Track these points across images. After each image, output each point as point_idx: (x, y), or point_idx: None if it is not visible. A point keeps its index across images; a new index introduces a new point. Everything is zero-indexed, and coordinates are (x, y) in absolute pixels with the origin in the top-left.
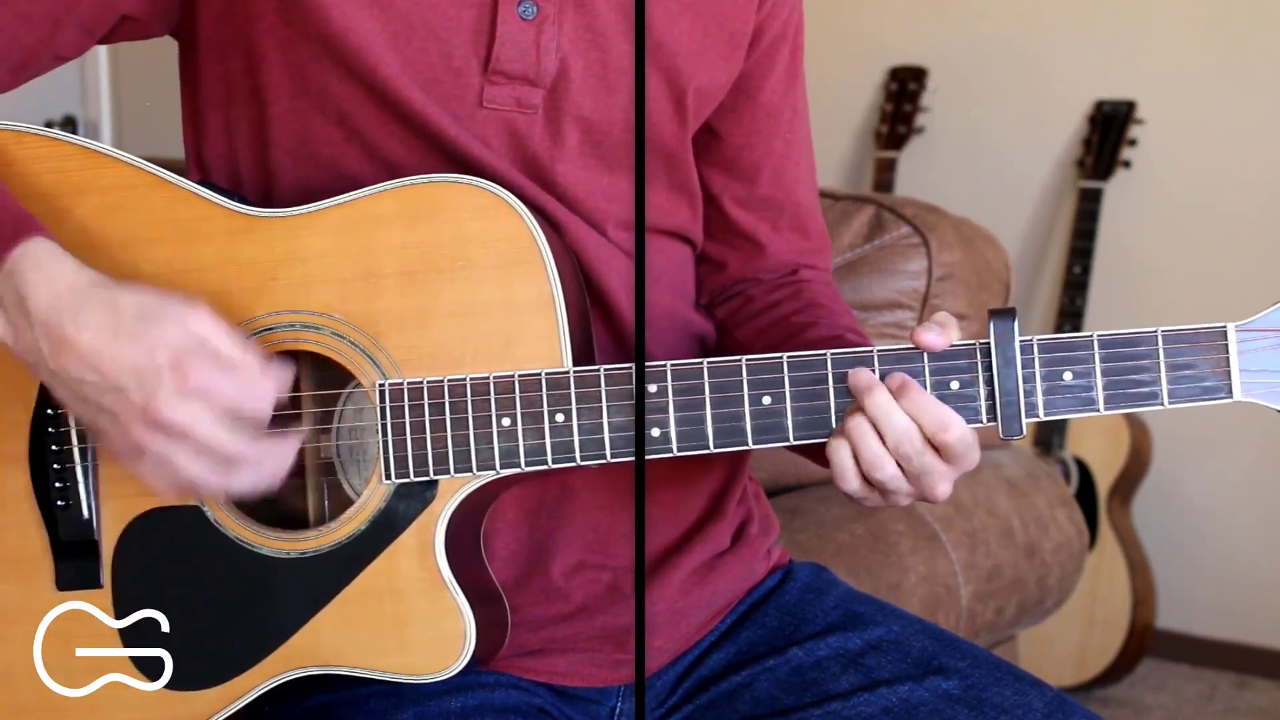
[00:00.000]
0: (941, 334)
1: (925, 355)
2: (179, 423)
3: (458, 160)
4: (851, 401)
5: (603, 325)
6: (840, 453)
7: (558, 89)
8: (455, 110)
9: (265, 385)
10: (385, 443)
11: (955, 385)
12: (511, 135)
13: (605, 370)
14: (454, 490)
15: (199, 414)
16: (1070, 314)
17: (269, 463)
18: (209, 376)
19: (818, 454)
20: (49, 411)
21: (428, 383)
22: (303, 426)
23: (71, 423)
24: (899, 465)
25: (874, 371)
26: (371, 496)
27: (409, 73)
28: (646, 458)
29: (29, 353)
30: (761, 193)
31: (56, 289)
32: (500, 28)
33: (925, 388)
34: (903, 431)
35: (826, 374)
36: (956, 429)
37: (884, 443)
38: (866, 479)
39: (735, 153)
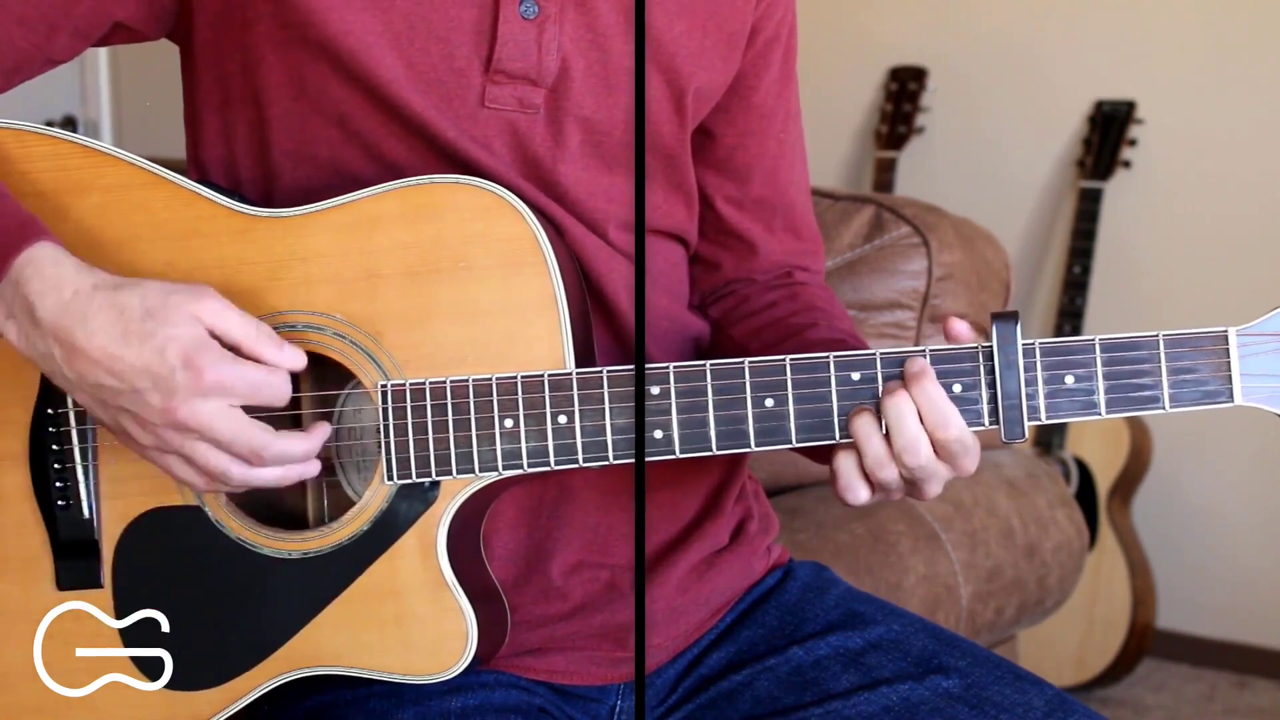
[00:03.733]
0: (969, 329)
1: (928, 357)
2: (199, 421)
3: (458, 163)
4: (855, 405)
5: (604, 327)
6: (845, 463)
7: (559, 89)
8: (457, 110)
9: (280, 371)
10: (387, 443)
11: (958, 388)
12: (513, 136)
13: (608, 372)
14: (456, 491)
15: (218, 410)
16: (1070, 314)
17: (292, 457)
18: (223, 370)
19: (818, 454)
20: (49, 411)
21: (430, 383)
22: (329, 424)
23: (72, 422)
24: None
25: (875, 375)
26: (373, 497)
27: (411, 74)
28: (648, 459)
29: (44, 360)
30: (755, 193)
31: (62, 296)
32: (502, 27)
33: None
34: (910, 439)
35: (829, 376)
36: (954, 429)
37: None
38: (870, 480)
39: (728, 153)
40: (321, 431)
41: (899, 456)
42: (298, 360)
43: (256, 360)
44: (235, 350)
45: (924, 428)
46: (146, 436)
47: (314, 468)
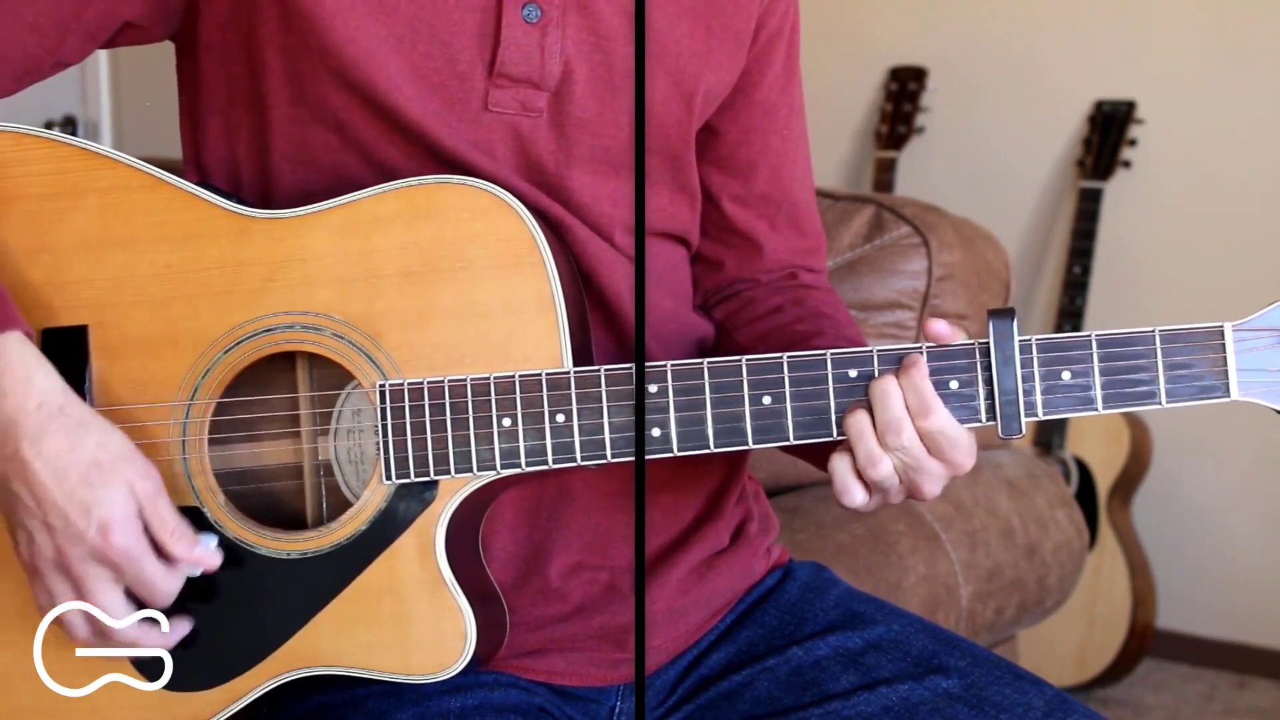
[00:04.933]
0: (951, 329)
1: (925, 355)
2: (82, 580)
3: (457, 169)
4: (851, 402)
5: (605, 330)
6: (840, 464)
7: (562, 92)
8: (460, 114)
9: (174, 580)
10: (385, 443)
11: (955, 385)
12: (516, 139)
13: (605, 370)
14: (454, 491)
15: (102, 580)
16: (1070, 314)
17: (140, 646)
18: (128, 552)
19: (815, 456)
20: None
21: (428, 383)
22: (185, 624)
23: None
24: (892, 451)
25: (874, 371)
26: (372, 497)
27: (414, 79)
28: (647, 458)
29: None
30: (759, 190)
31: (25, 404)
32: (505, 31)
33: None
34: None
35: (826, 374)
36: (937, 418)
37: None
38: (864, 480)
39: (731, 149)
40: (179, 631)
41: (882, 436)
42: (211, 562)
43: (168, 555)
44: (152, 539)
45: (909, 414)
46: (31, 559)
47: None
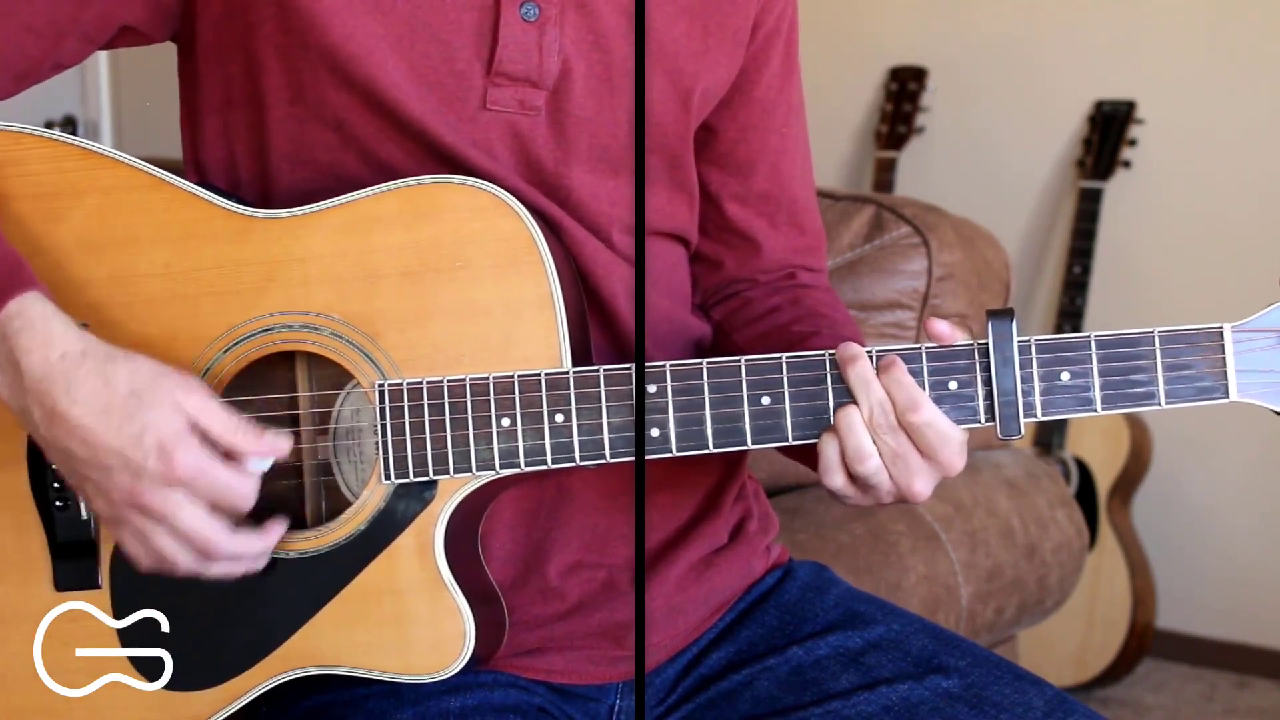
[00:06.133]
0: (952, 329)
1: (924, 355)
2: (161, 510)
3: (456, 167)
4: (848, 400)
5: (603, 331)
6: (829, 447)
7: (560, 91)
8: (458, 113)
9: (249, 480)
10: (384, 443)
11: (953, 385)
12: (515, 138)
13: (604, 370)
14: (453, 490)
15: (181, 503)
16: (1070, 314)
17: (245, 556)
18: (194, 468)
19: (812, 457)
20: None
21: (427, 383)
22: (282, 523)
23: None
24: (878, 450)
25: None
26: (371, 497)
27: (411, 77)
28: (646, 458)
29: (23, 415)
30: (758, 188)
31: (49, 356)
32: (503, 29)
33: (924, 387)
34: (877, 403)
35: (825, 374)
36: (925, 412)
37: (862, 418)
38: (850, 474)
39: (730, 147)
40: (277, 530)
41: (870, 423)
42: (281, 446)
43: (236, 454)
44: (215, 446)
45: (895, 411)
46: (106, 508)
47: (264, 562)
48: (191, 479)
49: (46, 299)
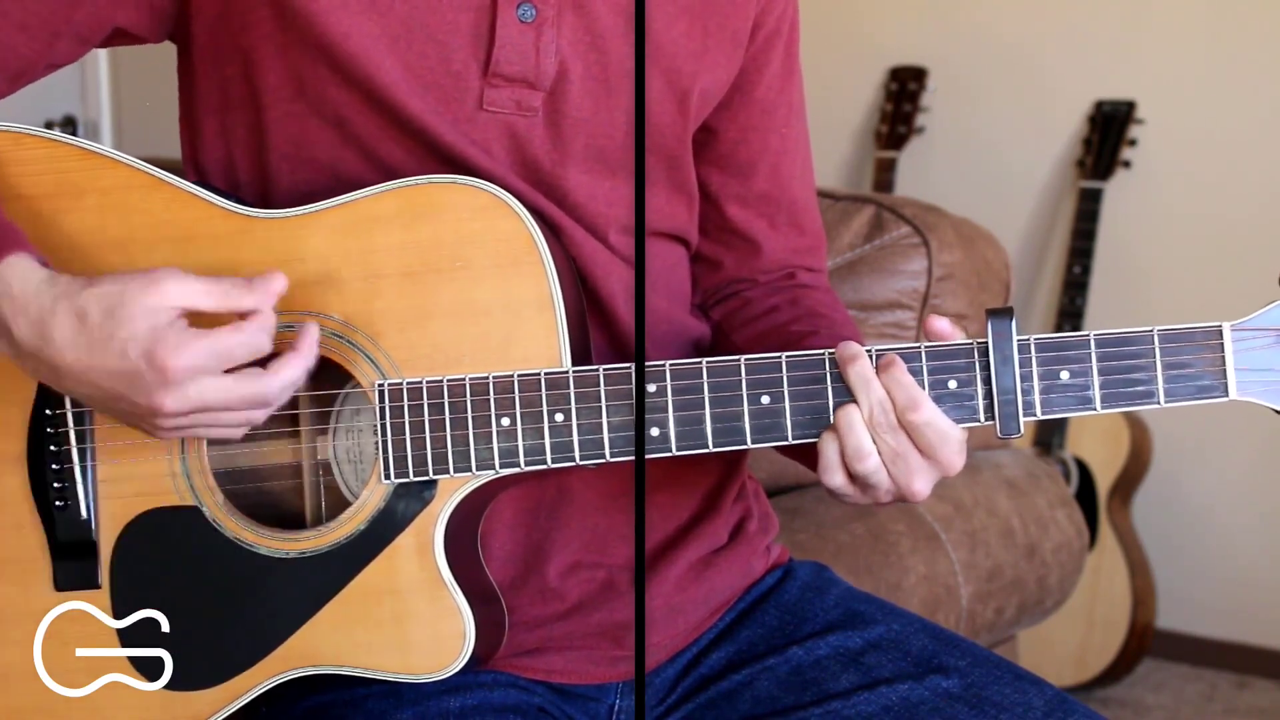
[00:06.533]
0: (952, 327)
1: (924, 354)
2: (189, 404)
3: (456, 165)
4: (848, 400)
5: (601, 332)
6: (828, 446)
7: (557, 91)
8: (455, 114)
9: (250, 323)
10: (384, 442)
11: (953, 384)
12: (512, 139)
13: (604, 370)
14: (453, 490)
15: (200, 388)
16: (1070, 314)
17: (297, 377)
18: (186, 355)
19: (811, 457)
20: (46, 411)
21: (427, 383)
22: (316, 327)
23: (69, 423)
24: (877, 449)
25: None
26: (370, 496)
27: (408, 77)
28: (646, 458)
29: (37, 375)
30: (758, 188)
31: (30, 315)
32: (500, 30)
33: (924, 386)
34: (877, 402)
35: (825, 374)
36: (925, 411)
37: (861, 417)
38: (850, 473)
39: (730, 148)
40: (310, 335)
41: (870, 422)
42: (274, 286)
43: (241, 313)
44: (214, 318)
45: (895, 410)
46: (156, 430)
47: (315, 356)
48: (190, 367)
49: (31, 256)
